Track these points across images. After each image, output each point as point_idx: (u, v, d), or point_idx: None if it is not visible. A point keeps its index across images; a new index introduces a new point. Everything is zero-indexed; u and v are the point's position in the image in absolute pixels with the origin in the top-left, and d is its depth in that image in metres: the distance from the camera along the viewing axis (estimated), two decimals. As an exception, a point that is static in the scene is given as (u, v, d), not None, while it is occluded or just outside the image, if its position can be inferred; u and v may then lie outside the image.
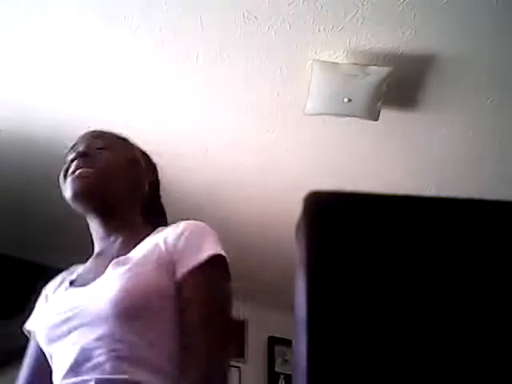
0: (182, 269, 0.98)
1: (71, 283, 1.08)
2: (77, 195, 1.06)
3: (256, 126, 2.41)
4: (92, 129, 1.24)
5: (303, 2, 1.88)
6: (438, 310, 0.27)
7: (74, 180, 1.06)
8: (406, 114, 2.30)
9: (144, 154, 1.24)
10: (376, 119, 2.20)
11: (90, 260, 1.13)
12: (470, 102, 2.23)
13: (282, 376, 3.53)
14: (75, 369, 0.93)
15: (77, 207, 1.09)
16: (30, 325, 1.14)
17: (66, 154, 1.14)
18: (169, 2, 1.92)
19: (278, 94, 2.24)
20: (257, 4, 1.90)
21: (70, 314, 0.98)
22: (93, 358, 0.92)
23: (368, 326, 0.27)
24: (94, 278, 1.02)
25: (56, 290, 1.12)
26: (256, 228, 2.95)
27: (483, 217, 0.29)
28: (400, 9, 1.87)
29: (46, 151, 2.73)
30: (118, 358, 0.91)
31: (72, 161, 1.09)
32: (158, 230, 1.10)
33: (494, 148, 2.44)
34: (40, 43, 2.13)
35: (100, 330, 0.93)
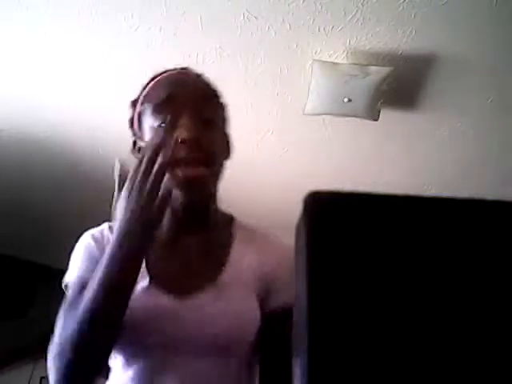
0: (277, 301, 0.91)
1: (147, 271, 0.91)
2: (192, 203, 0.92)
3: (256, 126, 2.41)
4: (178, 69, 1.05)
5: (303, 2, 1.88)
6: (437, 310, 0.27)
7: (190, 182, 0.88)
8: (405, 114, 2.30)
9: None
10: (376, 119, 2.20)
11: (165, 242, 0.96)
12: (469, 102, 2.23)
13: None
14: None
15: (184, 199, 0.91)
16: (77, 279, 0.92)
17: (155, 107, 0.93)
18: (169, 2, 1.92)
19: (277, 94, 2.24)
20: (257, 4, 1.90)
21: (162, 329, 0.86)
22: None
23: (369, 327, 0.27)
24: (184, 289, 0.89)
25: None
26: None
27: (483, 217, 0.29)
28: (400, 9, 1.87)
29: (46, 151, 2.73)
30: None
31: (177, 142, 0.85)
32: (241, 231, 1.01)
33: (493, 148, 2.44)
34: (40, 43, 2.13)
35: (202, 364, 0.86)
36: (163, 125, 0.90)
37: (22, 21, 2.04)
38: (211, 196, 1.00)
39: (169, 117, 0.87)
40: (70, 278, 0.94)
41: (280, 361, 0.84)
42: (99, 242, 0.96)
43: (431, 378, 0.27)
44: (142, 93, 1.03)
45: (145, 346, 0.87)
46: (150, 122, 0.94)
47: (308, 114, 2.24)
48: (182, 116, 0.90)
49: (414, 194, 0.30)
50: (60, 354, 0.81)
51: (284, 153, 2.55)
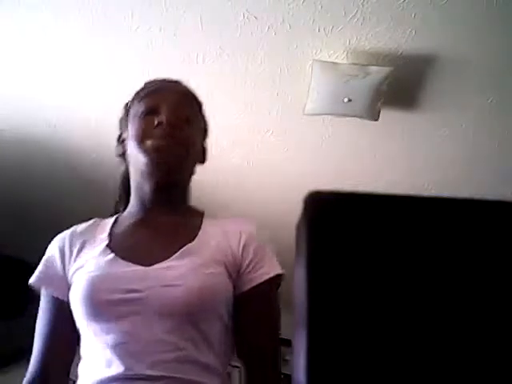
0: (250, 282, 0.98)
1: (110, 248, 1.00)
2: (163, 165, 1.00)
3: (256, 126, 2.41)
4: (168, 81, 1.15)
5: (303, 2, 1.88)
6: (437, 310, 0.27)
7: (163, 148, 0.99)
8: (406, 114, 2.30)
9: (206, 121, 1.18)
10: (376, 119, 2.20)
11: (128, 225, 1.06)
12: (470, 101, 2.23)
13: (281, 376, 3.52)
14: (129, 360, 0.87)
15: (152, 170, 1.01)
16: (41, 282, 1.05)
17: (142, 97, 1.07)
18: (169, 2, 1.92)
19: (277, 93, 2.24)
20: (257, 4, 1.90)
21: (131, 296, 0.90)
22: (156, 352, 0.87)
23: (369, 326, 0.27)
24: (152, 257, 0.95)
25: (82, 249, 1.04)
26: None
27: (483, 217, 0.29)
28: (400, 9, 1.87)
29: (46, 151, 2.73)
30: (185, 356, 0.89)
31: (158, 124, 1.00)
32: (209, 219, 1.07)
33: (493, 148, 2.44)
34: (40, 43, 2.13)
35: (168, 324, 0.89)
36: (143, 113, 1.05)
37: (22, 21, 2.04)
38: (180, 181, 1.08)
39: (151, 105, 1.04)
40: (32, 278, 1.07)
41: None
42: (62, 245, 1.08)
43: (431, 376, 0.27)
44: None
45: (113, 313, 0.90)
46: (134, 111, 1.07)
47: (308, 114, 2.24)
48: (163, 106, 1.03)
49: (414, 193, 0.30)
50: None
51: (284, 153, 2.55)
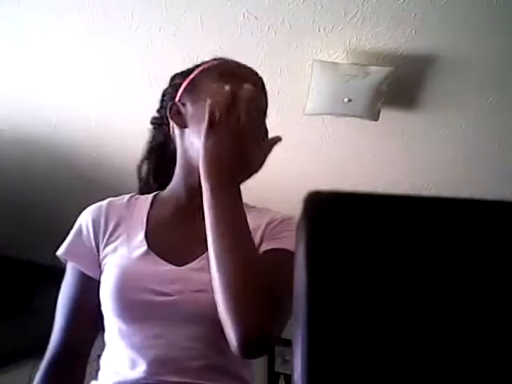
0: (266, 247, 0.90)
1: (146, 239, 0.95)
2: (255, 172, 0.92)
3: (256, 126, 2.41)
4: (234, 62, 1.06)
5: (303, 2, 1.88)
6: (437, 310, 0.27)
7: (263, 157, 0.91)
8: (406, 114, 2.30)
9: None
10: (376, 119, 2.20)
11: (168, 212, 1.00)
12: (470, 101, 2.23)
13: (281, 376, 3.53)
14: (152, 365, 0.84)
15: (241, 174, 0.89)
16: (68, 255, 0.99)
17: (235, 79, 0.93)
18: (169, 2, 1.92)
19: (277, 94, 2.24)
20: (257, 4, 1.90)
21: (160, 299, 0.87)
22: (181, 359, 0.85)
23: (369, 327, 0.27)
24: (184, 256, 0.91)
25: (118, 226, 0.98)
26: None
27: (483, 217, 0.29)
28: (400, 9, 1.87)
29: (46, 151, 2.73)
30: (212, 364, 0.86)
31: (253, 120, 0.85)
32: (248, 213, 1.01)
33: (493, 148, 2.44)
34: (40, 43, 2.13)
35: (195, 331, 0.86)
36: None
37: (22, 20, 2.04)
38: None
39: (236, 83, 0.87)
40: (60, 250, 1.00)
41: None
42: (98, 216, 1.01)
43: (431, 376, 0.27)
44: (193, 69, 1.04)
45: (140, 314, 0.87)
46: (212, 87, 0.94)
47: (308, 114, 2.24)
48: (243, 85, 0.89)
49: (414, 193, 0.30)
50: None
51: (284, 153, 2.55)
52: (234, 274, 0.75)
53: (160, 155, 1.09)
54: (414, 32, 1.95)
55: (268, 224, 0.97)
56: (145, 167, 1.11)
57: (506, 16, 1.86)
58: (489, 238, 0.28)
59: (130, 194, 1.06)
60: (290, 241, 0.91)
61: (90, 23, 2.02)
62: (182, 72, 1.08)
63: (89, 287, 0.95)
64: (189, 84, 1.02)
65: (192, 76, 1.02)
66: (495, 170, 2.55)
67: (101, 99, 2.37)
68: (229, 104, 0.82)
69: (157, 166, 1.10)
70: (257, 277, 0.76)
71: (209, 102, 0.83)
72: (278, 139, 0.91)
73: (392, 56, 2.04)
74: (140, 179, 1.12)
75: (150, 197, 1.05)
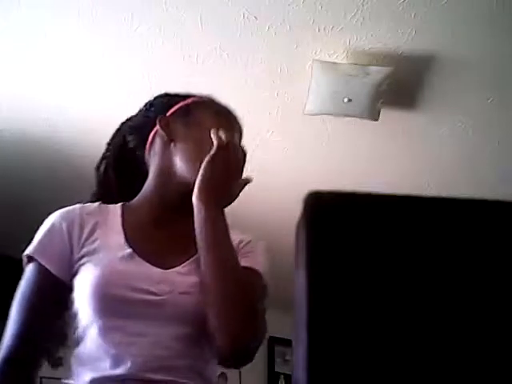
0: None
1: (128, 243, 0.96)
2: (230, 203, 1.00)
3: (256, 126, 2.41)
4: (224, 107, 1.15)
5: (303, 2, 1.88)
6: (437, 308, 0.27)
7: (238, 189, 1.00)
8: (406, 114, 2.30)
9: None
10: (376, 119, 2.20)
11: (145, 221, 1.02)
12: (470, 101, 2.23)
13: (281, 376, 3.52)
14: (134, 362, 0.86)
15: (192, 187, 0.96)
16: (39, 254, 0.99)
17: (223, 123, 1.04)
18: (169, 2, 1.92)
19: (277, 93, 2.24)
20: (257, 4, 1.90)
21: (147, 298, 0.90)
22: (163, 358, 0.88)
23: (368, 326, 0.27)
24: (168, 260, 0.95)
25: (94, 230, 0.99)
26: (256, 228, 2.95)
27: (483, 217, 0.29)
28: (400, 9, 1.87)
29: (46, 151, 2.73)
30: (192, 364, 0.90)
31: (238, 159, 1.00)
32: None
33: (493, 148, 2.44)
34: (40, 43, 2.13)
35: (179, 331, 0.90)
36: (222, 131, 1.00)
37: (22, 21, 2.04)
38: None
39: (230, 131, 1.01)
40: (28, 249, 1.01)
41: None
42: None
43: (431, 375, 0.27)
44: (189, 96, 1.13)
45: (126, 310, 0.90)
46: (209, 121, 1.05)
47: (308, 114, 2.24)
48: (234, 134, 1.03)
49: (414, 194, 0.30)
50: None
51: (284, 153, 2.55)
52: (229, 289, 0.89)
53: (122, 158, 1.12)
54: (414, 32, 1.95)
55: (240, 242, 1.03)
56: (110, 171, 1.13)
57: (506, 16, 1.86)
58: (489, 237, 0.28)
59: (97, 202, 1.07)
60: (263, 261, 1.02)
61: (90, 23, 2.02)
62: (173, 94, 1.15)
63: (55, 288, 0.97)
64: (184, 106, 1.09)
65: (189, 101, 1.10)
66: (495, 169, 2.55)
67: (101, 99, 2.37)
68: (229, 141, 0.97)
69: (120, 171, 1.13)
70: (242, 292, 0.89)
71: (215, 131, 0.98)
72: (249, 180, 1.03)
73: (392, 56, 2.04)
74: (100, 181, 1.13)
75: (117, 206, 1.07)
